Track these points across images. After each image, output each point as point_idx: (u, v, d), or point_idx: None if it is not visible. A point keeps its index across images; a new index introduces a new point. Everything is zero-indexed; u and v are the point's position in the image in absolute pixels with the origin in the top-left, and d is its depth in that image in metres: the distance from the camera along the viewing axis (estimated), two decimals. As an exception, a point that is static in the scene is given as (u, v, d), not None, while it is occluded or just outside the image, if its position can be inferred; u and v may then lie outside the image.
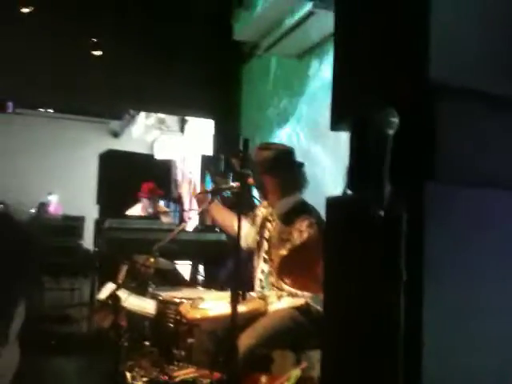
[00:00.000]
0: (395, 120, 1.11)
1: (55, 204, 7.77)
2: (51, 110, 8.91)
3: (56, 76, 5.96)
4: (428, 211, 1.20)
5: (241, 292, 2.08)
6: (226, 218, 2.98)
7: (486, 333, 1.24)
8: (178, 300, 2.86)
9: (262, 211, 2.95)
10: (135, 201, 5.79)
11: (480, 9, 1.28)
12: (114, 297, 2.58)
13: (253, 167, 2.62)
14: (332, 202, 1.75)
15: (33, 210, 7.53)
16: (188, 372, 2.40)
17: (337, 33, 1.79)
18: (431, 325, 1.20)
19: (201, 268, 5.62)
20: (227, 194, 3.27)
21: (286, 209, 2.75)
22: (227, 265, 4.87)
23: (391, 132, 1.11)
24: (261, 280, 2.83)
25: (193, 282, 5.13)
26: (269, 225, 2.83)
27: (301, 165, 2.77)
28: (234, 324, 1.96)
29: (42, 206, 7.60)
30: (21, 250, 1.65)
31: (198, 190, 3.36)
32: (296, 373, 2.30)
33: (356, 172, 1.54)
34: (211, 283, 4.32)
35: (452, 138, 1.27)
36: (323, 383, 1.77)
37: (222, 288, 3.89)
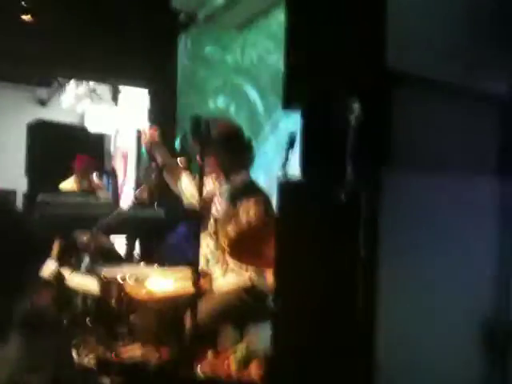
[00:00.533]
0: (356, 107, 1.14)
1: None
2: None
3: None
4: (383, 195, 1.25)
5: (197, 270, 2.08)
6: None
7: (434, 303, 1.32)
8: (119, 277, 2.83)
9: (210, 182, 2.89)
10: (68, 174, 5.59)
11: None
12: (57, 275, 2.52)
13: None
14: (285, 184, 1.78)
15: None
16: (134, 349, 2.40)
17: (290, 13, 1.79)
18: (385, 298, 1.26)
19: (137, 244, 5.57)
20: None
21: (234, 189, 2.75)
22: (166, 241, 4.84)
23: (352, 118, 1.14)
24: (206, 255, 2.85)
25: (129, 259, 5.07)
26: (216, 202, 2.82)
27: (248, 143, 2.77)
28: (195, 301, 1.97)
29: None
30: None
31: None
32: (241, 347, 2.36)
33: (311, 156, 1.57)
34: (147, 259, 4.29)
35: (407, 124, 1.32)
36: (275, 359, 1.82)
37: (162, 264, 3.88)
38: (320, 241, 1.40)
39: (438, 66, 1.33)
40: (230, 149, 2.67)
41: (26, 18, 5.69)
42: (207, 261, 2.86)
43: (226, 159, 2.67)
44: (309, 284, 1.53)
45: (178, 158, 3.01)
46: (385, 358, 1.28)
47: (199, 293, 2.46)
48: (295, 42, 1.72)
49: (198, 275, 2.02)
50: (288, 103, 1.76)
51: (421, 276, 1.33)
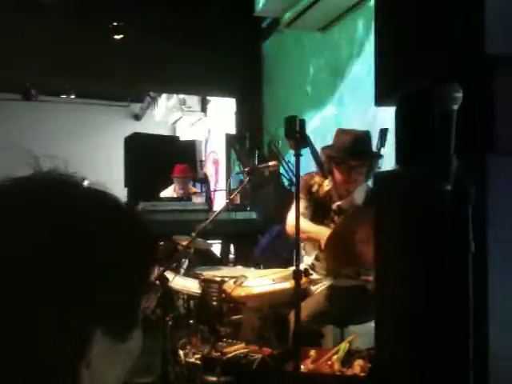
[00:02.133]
0: (459, 95, 1.12)
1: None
2: (73, 96, 8.97)
3: (77, 61, 5.99)
4: (491, 183, 1.22)
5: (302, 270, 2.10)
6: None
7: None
8: (219, 279, 2.93)
9: (322, 189, 2.87)
10: (166, 183, 5.84)
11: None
12: (161, 277, 2.64)
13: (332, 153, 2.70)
14: (382, 177, 1.77)
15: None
16: (238, 348, 2.47)
17: (379, 6, 1.78)
18: (497, 295, 1.22)
19: (232, 247, 5.69)
20: (265, 172, 3.28)
21: (360, 199, 2.75)
22: (260, 242, 4.92)
23: (455, 107, 1.12)
24: (313, 264, 2.85)
25: (224, 261, 5.20)
26: (335, 217, 2.81)
27: (378, 154, 2.77)
28: (298, 302, 2.00)
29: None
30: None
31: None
32: (344, 346, 2.35)
33: (409, 147, 1.55)
34: (242, 261, 4.38)
35: (510, 109, 1.27)
36: (378, 356, 1.81)
37: (257, 266, 3.95)
38: (423, 232, 1.38)
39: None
40: (365, 156, 2.70)
41: (118, 37, 6.02)
42: (312, 265, 2.85)
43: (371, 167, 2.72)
44: (412, 280, 1.51)
45: (270, 162, 3.05)
46: (497, 360, 1.24)
47: (301, 292, 2.49)
48: (386, 35, 1.71)
49: (299, 275, 2.04)
50: (381, 99, 1.75)
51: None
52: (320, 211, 2.81)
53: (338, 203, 2.80)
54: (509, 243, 1.21)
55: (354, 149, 2.63)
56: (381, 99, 1.76)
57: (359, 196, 2.76)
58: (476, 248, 1.16)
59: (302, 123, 1.90)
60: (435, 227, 1.32)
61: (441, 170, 1.12)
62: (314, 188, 2.84)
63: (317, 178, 2.85)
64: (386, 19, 1.71)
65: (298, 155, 1.91)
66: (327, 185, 2.83)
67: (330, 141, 2.90)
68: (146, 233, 0.67)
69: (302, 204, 2.61)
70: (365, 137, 2.72)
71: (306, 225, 2.66)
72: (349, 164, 2.67)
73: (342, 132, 2.76)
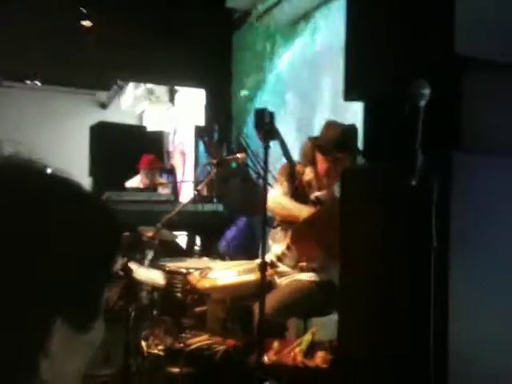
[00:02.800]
0: (427, 92, 1.13)
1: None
2: (38, 83, 8.76)
3: (43, 47, 5.86)
4: (455, 180, 1.24)
5: (268, 261, 2.10)
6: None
7: (509, 299, 1.29)
8: (184, 270, 2.91)
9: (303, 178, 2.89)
10: (132, 173, 5.77)
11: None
12: (125, 268, 2.61)
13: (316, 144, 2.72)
14: (349, 171, 1.78)
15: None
16: (202, 339, 2.46)
17: (351, 3, 1.79)
18: (457, 290, 1.25)
19: (197, 238, 5.67)
20: (233, 164, 3.28)
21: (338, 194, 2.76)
22: (225, 234, 4.92)
23: (423, 104, 1.13)
24: (283, 254, 2.84)
25: (190, 252, 5.18)
26: (313, 207, 2.80)
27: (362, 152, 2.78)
28: (263, 294, 2.00)
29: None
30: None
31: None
32: (307, 337, 2.37)
33: (377, 142, 1.57)
34: (208, 253, 4.37)
35: (478, 108, 1.30)
36: (341, 348, 1.83)
37: (223, 257, 3.94)
38: (388, 227, 1.40)
39: (508, 49, 1.30)
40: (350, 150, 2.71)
41: (86, 23, 5.90)
42: (282, 254, 2.85)
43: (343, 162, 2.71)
44: (376, 272, 1.53)
45: (238, 155, 3.04)
46: (457, 351, 1.26)
47: (266, 284, 2.49)
48: (356, 31, 1.72)
49: (264, 267, 2.04)
50: (350, 93, 1.76)
51: (495, 267, 1.31)
52: (298, 200, 2.82)
53: (317, 194, 2.82)
54: (471, 239, 1.24)
55: (342, 141, 2.67)
56: (349, 93, 1.77)
57: (339, 190, 2.77)
58: (438, 243, 1.19)
59: (272, 115, 1.91)
60: (400, 221, 1.34)
61: (407, 165, 1.13)
62: (295, 175, 2.86)
63: (298, 167, 2.88)
64: (356, 15, 1.72)
65: (266, 147, 1.91)
66: (307, 174, 2.86)
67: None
68: (110, 222, 0.65)
69: (284, 187, 2.73)
70: (353, 131, 2.75)
71: (288, 201, 2.73)
72: (335, 155, 2.70)
73: (330, 125, 2.79)
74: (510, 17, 1.32)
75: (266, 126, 1.88)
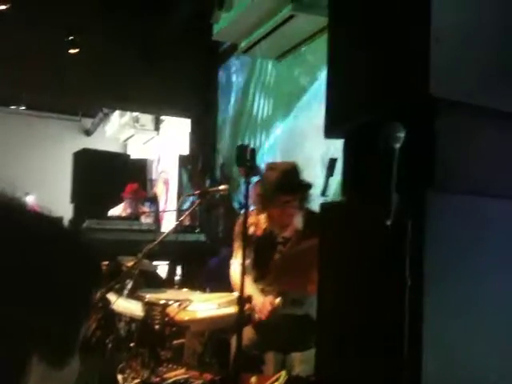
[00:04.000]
0: (401, 135, 1.16)
1: (33, 205, 7.63)
2: (23, 107, 8.76)
3: (29, 72, 5.88)
4: (428, 219, 1.26)
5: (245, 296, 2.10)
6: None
7: (483, 333, 1.31)
8: (163, 302, 2.88)
9: (260, 227, 2.87)
10: (115, 200, 5.75)
11: (478, 28, 1.35)
12: (103, 299, 2.59)
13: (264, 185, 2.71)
14: (328, 207, 1.80)
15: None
16: (179, 373, 2.43)
17: (332, 41, 1.83)
18: (432, 325, 1.26)
19: (178, 268, 5.63)
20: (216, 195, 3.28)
21: (300, 224, 2.78)
22: (207, 265, 4.89)
23: (397, 146, 1.16)
24: (263, 289, 2.84)
25: (170, 282, 5.14)
26: (280, 247, 2.81)
27: (308, 185, 2.78)
28: (240, 328, 1.99)
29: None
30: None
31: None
32: (284, 373, 2.36)
33: (355, 180, 1.59)
34: (189, 283, 4.34)
35: (450, 149, 1.33)
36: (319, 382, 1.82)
37: (203, 289, 3.91)
38: (364, 263, 1.41)
39: (482, 91, 1.34)
40: (293, 190, 2.72)
41: (74, 51, 5.95)
42: (261, 290, 2.84)
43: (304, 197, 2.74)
44: (352, 308, 1.54)
45: (221, 186, 3.06)
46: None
47: (244, 318, 2.48)
48: (337, 70, 1.76)
49: (242, 301, 2.04)
50: (330, 130, 1.80)
51: (470, 303, 1.32)
52: (264, 250, 2.81)
53: (283, 234, 2.82)
54: (444, 279, 1.26)
55: (283, 184, 2.65)
56: (330, 131, 1.80)
57: (298, 222, 2.79)
58: (412, 282, 1.20)
59: (253, 152, 1.94)
60: (375, 259, 1.36)
61: (382, 205, 1.16)
62: (251, 230, 2.81)
63: (251, 219, 2.80)
64: (336, 55, 1.77)
65: (247, 183, 1.93)
66: (264, 222, 2.84)
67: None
68: (88, 260, 0.66)
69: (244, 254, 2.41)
70: (292, 170, 2.74)
71: (247, 285, 2.59)
72: (281, 199, 2.69)
73: (269, 168, 2.77)
74: (484, 58, 1.37)
75: (248, 162, 1.91)
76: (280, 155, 5.06)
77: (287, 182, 2.66)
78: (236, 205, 5.25)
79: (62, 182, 7.54)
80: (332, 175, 4.02)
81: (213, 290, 3.68)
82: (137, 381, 2.41)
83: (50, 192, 8.02)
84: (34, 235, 0.61)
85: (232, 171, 5.63)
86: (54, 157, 9.16)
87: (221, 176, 5.95)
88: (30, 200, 7.68)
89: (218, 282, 4.45)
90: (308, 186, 2.79)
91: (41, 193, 7.84)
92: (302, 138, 4.75)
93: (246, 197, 1.97)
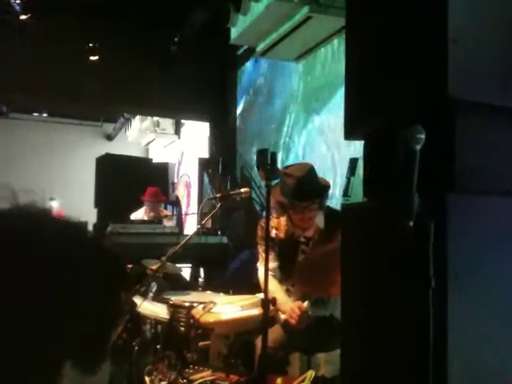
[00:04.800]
0: (422, 136, 1.17)
1: (58, 210, 7.78)
2: (45, 114, 8.91)
3: (50, 79, 6.00)
4: (450, 221, 1.27)
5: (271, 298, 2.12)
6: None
7: (508, 331, 1.31)
8: (188, 304, 2.92)
9: (281, 230, 2.89)
10: (137, 204, 5.82)
11: (497, 26, 1.35)
12: (128, 302, 2.63)
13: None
14: (349, 208, 1.81)
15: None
16: (205, 375, 2.46)
17: (349, 43, 1.85)
18: (455, 328, 1.27)
19: (201, 271, 5.68)
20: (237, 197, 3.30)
21: (322, 223, 2.79)
22: (229, 267, 4.93)
23: (418, 147, 1.17)
24: (288, 290, 2.86)
25: (194, 285, 5.18)
26: (305, 248, 2.83)
27: (325, 187, 2.79)
28: (266, 332, 2.01)
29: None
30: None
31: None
32: (310, 374, 2.37)
33: (375, 181, 1.60)
34: (212, 286, 4.37)
35: (470, 149, 1.34)
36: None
37: (226, 291, 3.95)
38: (386, 265, 1.42)
39: (502, 91, 1.34)
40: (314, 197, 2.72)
41: (94, 58, 6.05)
42: (286, 291, 2.86)
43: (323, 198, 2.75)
44: (376, 310, 1.55)
45: (242, 189, 3.09)
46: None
47: (269, 320, 2.51)
48: (355, 71, 1.77)
49: (267, 302, 2.06)
50: (350, 131, 1.81)
51: (493, 307, 1.33)
52: (288, 251, 2.83)
53: (305, 234, 2.84)
54: (467, 280, 1.26)
55: (299, 192, 2.63)
56: (349, 132, 1.81)
57: (320, 221, 2.80)
58: (436, 284, 1.21)
59: (273, 156, 1.96)
60: (397, 261, 1.36)
61: (403, 206, 1.17)
62: (273, 233, 2.82)
63: (272, 222, 2.81)
64: (354, 56, 1.78)
65: (268, 186, 1.96)
66: (285, 224, 2.85)
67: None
68: (116, 265, 0.69)
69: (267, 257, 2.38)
70: (308, 175, 2.68)
71: (275, 289, 2.67)
72: (299, 206, 2.69)
73: (284, 174, 2.66)
74: (501, 58, 1.37)
75: (268, 165, 1.93)
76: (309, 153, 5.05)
77: (304, 190, 2.63)
78: (257, 207, 5.28)
79: (85, 187, 7.65)
80: (354, 175, 4.03)
81: (235, 293, 3.71)
82: (164, 383, 2.44)
83: (74, 197, 8.16)
84: (61, 244, 0.64)
85: (252, 174, 5.66)
86: (76, 162, 9.31)
87: (241, 178, 5.98)
88: (55, 205, 7.83)
89: (240, 284, 4.49)
90: (325, 189, 2.79)
91: (65, 198, 7.98)
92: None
93: (267, 200, 1.99)
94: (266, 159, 1.92)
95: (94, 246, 0.69)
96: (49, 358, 0.58)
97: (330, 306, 2.71)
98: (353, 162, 4.01)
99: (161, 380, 2.47)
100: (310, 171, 2.71)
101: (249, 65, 6.34)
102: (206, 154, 7.03)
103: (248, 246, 5.17)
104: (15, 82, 5.83)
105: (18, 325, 0.56)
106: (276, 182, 2.48)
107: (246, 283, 4.56)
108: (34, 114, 8.99)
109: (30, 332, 0.57)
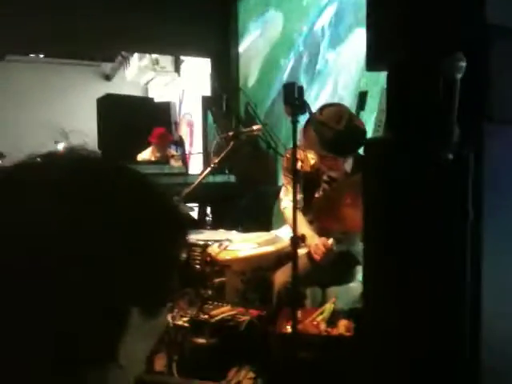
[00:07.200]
0: (464, 64, 1.12)
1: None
2: (41, 56, 8.69)
3: (46, 19, 5.80)
4: (487, 152, 1.24)
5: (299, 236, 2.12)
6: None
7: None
8: (202, 242, 2.94)
9: (307, 164, 2.82)
10: (141, 145, 5.77)
11: None
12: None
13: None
14: (372, 144, 1.78)
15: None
16: (225, 310, 2.51)
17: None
18: (491, 267, 1.26)
19: (208, 210, 5.70)
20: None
21: (349, 168, 2.71)
22: (238, 205, 4.94)
23: (459, 76, 1.13)
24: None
25: (202, 224, 5.21)
26: (327, 186, 2.78)
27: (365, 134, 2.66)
28: (296, 269, 2.04)
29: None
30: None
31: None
32: (329, 306, 2.41)
33: (402, 114, 1.56)
34: (220, 225, 4.40)
35: (507, 78, 1.29)
36: (364, 316, 1.86)
37: (235, 229, 3.97)
38: (418, 199, 1.40)
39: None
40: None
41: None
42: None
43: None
44: (400, 245, 1.54)
45: (254, 126, 3.03)
46: (491, 331, 1.28)
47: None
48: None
49: (297, 241, 2.07)
50: (374, 61, 1.74)
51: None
52: (309, 184, 2.79)
53: (330, 173, 2.78)
54: (503, 213, 1.25)
55: (338, 147, 2.50)
56: (372, 63, 1.75)
57: (348, 164, 2.72)
58: (474, 216, 1.20)
59: (301, 90, 1.90)
60: (429, 194, 1.34)
61: (442, 138, 1.13)
62: (298, 165, 2.68)
63: (299, 155, 2.64)
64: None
65: (294, 122, 1.91)
66: (312, 158, 2.78)
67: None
68: (177, 215, 0.67)
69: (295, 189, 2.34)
70: (347, 128, 2.46)
71: (300, 223, 2.46)
72: (333, 157, 2.62)
73: (320, 124, 2.45)
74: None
75: (296, 100, 1.87)
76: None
77: (344, 144, 2.49)
78: (263, 144, 5.22)
79: (85, 128, 7.55)
80: (363, 109, 3.95)
81: (245, 230, 3.73)
82: (185, 319, 2.49)
83: (76, 139, 8.07)
84: (130, 191, 0.62)
85: (256, 111, 5.57)
86: (75, 103, 9.17)
87: (245, 115, 5.89)
88: (60, 147, 7.74)
89: (249, 221, 4.51)
90: (364, 137, 2.53)
91: (67, 140, 7.91)
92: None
93: (294, 136, 1.95)
94: (294, 93, 1.86)
95: (158, 195, 0.67)
96: (115, 306, 0.57)
97: (346, 242, 2.73)
98: (362, 96, 3.93)
99: (182, 316, 2.52)
100: (350, 121, 2.49)
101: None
102: (207, 92, 6.89)
103: (255, 184, 5.17)
104: (9, 23, 5.63)
105: (82, 274, 0.55)
106: (305, 119, 2.34)
107: (255, 220, 4.59)
108: (31, 55, 8.76)
109: (94, 280, 0.55)
